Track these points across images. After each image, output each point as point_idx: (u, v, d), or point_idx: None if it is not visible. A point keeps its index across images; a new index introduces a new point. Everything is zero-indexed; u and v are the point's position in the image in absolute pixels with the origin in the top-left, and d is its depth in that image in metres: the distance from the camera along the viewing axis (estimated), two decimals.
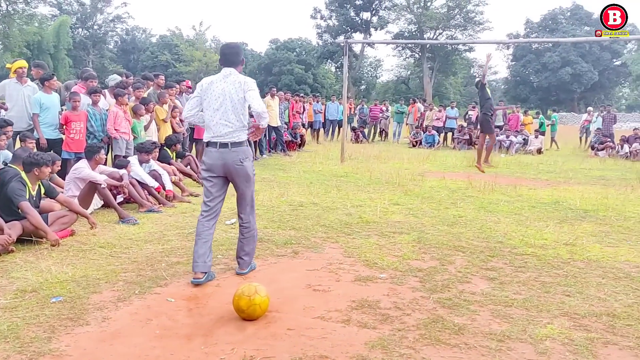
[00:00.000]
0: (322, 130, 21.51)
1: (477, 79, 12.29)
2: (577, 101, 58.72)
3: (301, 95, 20.82)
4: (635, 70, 56.63)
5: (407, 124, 22.75)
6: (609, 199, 8.92)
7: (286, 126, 16.53)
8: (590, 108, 26.02)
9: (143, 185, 7.59)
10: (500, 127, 20.49)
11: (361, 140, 21.50)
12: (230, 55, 4.63)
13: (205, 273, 4.48)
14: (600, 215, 7.61)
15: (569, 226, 6.89)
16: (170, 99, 10.33)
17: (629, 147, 18.28)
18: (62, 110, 8.57)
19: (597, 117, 21.42)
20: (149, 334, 3.48)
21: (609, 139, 19.33)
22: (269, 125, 14.97)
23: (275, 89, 15.67)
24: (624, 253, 5.66)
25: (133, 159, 7.89)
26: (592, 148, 19.66)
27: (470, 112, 22.36)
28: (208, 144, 4.63)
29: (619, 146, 18.88)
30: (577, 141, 23.16)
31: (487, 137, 12.38)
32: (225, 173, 4.58)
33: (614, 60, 59.82)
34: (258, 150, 14.42)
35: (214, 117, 4.52)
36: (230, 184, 4.68)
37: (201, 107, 4.63)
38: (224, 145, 4.52)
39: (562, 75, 56.39)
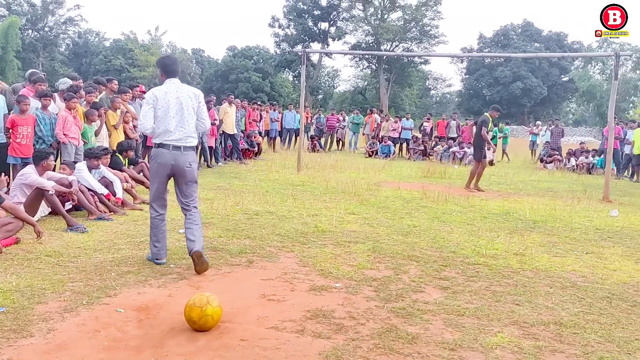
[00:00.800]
0: (278, 138, 21.47)
1: (481, 119, 12.18)
2: (527, 115, 60.54)
3: (258, 103, 20.75)
4: (582, 86, 58.88)
5: (364, 134, 22.95)
6: (556, 210, 9.20)
7: (242, 134, 16.43)
8: (539, 122, 26.92)
9: (93, 192, 7.38)
10: (453, 139, 20.94)
11: (318, 150, 21.56)
12: (174, 66, 5.18)
13: None
14: (548, 226, 7.84)
15: (519, 236, 7.06)
16: (123, 105, 10.11)
17: (576, 160, 18.96)
18: (9, 113, 8.25)
19: (545, 131, 22.15)
20: (96, 346, 3.37)
21: (557, 152, 20.02)
22: (225, 133, 14.89)
23: (232, 97, 15.60)
24: (570, 263, 5.84)
25: (82, 165, 7.66)
26: (541, 161, 20.29)
27: (425, 124, 22.75)
28: (159, 145, 5.01)
29: (566, 159, 19.57)
30: (527, 153, 23.84)
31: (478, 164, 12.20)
32: (174, 173, 5.07)
33: (562, 76, 62.03)
34: (213, 158, 14.26)
35: (170, 123, 4.95)
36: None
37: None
38: (177, 148, 4.99)
39: (513, 89, 58.08)
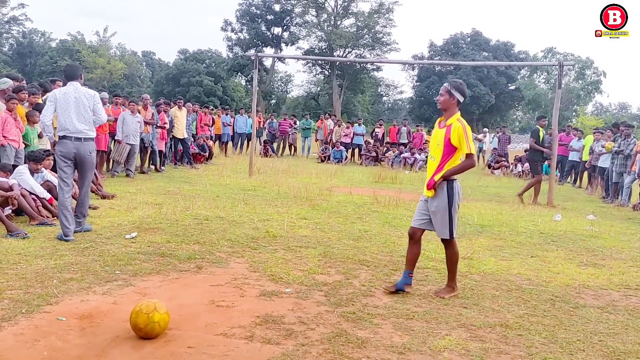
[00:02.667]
0: (230, 143, 21.27)
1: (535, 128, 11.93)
2: (476, 122, 61.98)
3: (210, 107, 20.50)
4: (528, 94, 60.68)
5: (317, 140, 23.00)
6: (503, 215, 9.44)
7: (193, 138, 16.18)
8: (485, 129, 27.61)
9: (35, 196, 7.10)
10: (404, 145, 21.25)
11: (270, 155, 21.47)
12: (75, 72, 6.33)
13: None
14: (495, 231, 8.03)
15: (467, 241, 7.20)
16: None
17: (522, 167, 19.53)
18: None
19: (493, 138, 22.74)
20: (35, 356, 3.23)
21: (504, 159, 20.58)
22: (175, 137, 14.62)
23: (182, 100, 15.34)
24: (516, 266, 5.99)
25: (24, 168, 7.36)
26: (489, 167, 20.81)
27: (377, 130, 23.00)
28: (64, 137, 6.13)
29: (513, 165, 20.15)
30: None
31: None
32: (76, 159, 6.19)
33: (509, 85, 63.81)
34: (160, 162, 13.96)
35: (72, 119, 6.10)
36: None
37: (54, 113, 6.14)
38: (78, 139, 6.14)
39: None
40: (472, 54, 60.02)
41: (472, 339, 3.84)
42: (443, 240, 4.82)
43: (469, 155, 4.66)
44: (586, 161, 15.96)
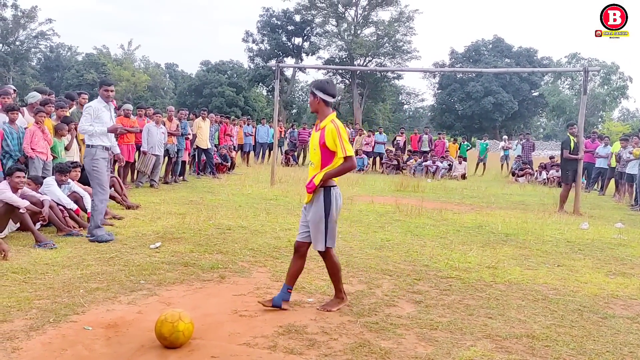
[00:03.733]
0: (252, 153, 21.40)
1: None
2: (499, 129, 61.44)
3: (232, 117, 20.67)
4: (552, 101, 59.99)
5: None
6: (528, 223, 9.32)
7: (216, 148, 16.32)
8: (505, 137, 27.33)
9: (62, 207, 7.23)
10: (426, 153, 21.15)
11: (292, 164, 21.54)
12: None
13: None
14: (520, 239, 7.93)
15: (492, 250, 7.12)
16: None
17: (547, 174, 19.26)
18: None
19: (516, 145, 22.51)
20: None
21: (528, 166, 20.34)
22: (199, 148, 14.75)
23: (206, 111, 15.50)
24: (542, 276, 5.90)
25: (51, 180, 7.50)
26: (513, 174, 20.58)
27: (398, 138, 22.93)
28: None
29: (538, 173, 19.89)
30: (498, 167, 24.18)
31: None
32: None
33: (532, 91, 63.21)
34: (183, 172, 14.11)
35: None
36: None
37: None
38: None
39: (484, 104, 58.98)
40: (494, 61, 59.65)
41: (498, 350, 3.79)
42: (319, 252, 4.43)
43: (347, 158, 4.27)
44: (614, 168, 15.69)
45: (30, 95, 9.28)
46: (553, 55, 76.33)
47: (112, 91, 6.99)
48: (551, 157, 20.46)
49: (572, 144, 11.48)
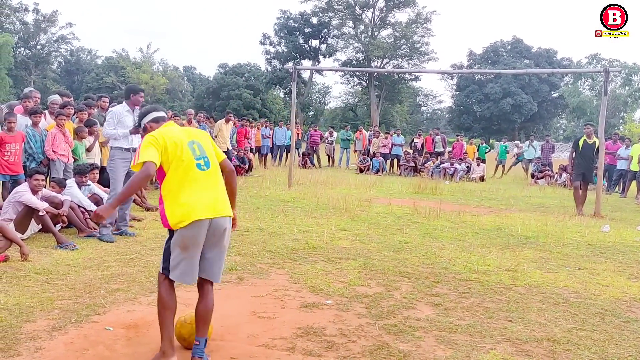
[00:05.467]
0: (270, 155, 21.47)
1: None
2: (518, 131, 60.96)
3: (249, 120, 20.78)
4: (572, 102, 59.31)
5: (355, 151, 23.00)
6: (548, 226, 9.22)
7: (234, 151, 16.40)
8: (516, 141, 27.08)
9: (83, 209, 7.32)
10: (440, 154, 21.06)
11: (309, 166, 21.56)
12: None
13: None
14: (540, 242, 7.85)
15: (511, 252, 7.06)
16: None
17: (567, 176, 19.03)
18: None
19: (528, 146, 22.28)
20: None
21: (548, 168, 20.12)
22: None
23: (232, 115, 15.66)
24: (562, 279, 5.83)
25: (72, 182, 7.61)
26: (532, 176, 20.37)
27: (416, 140, 22.83)
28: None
29: (558, 175, 19.66)
30: (519, 170, 23.91)
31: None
32: None
33: (552, 92, 62.56)
34: None
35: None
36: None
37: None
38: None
39: (503, 105, 58.50)
40: (512, 62, 59.15)
41: (518, 353, 3.75)
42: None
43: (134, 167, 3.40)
44: (636, 172, 15.46)
45: (51, 98, 9.43)
46: (573, 56, 75.68)
47: (142, 97, 7.33)
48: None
49: (580, 143, 11.38)
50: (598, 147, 11.27)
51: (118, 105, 7.31)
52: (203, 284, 3.50)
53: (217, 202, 3.40)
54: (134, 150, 6.78)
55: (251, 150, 18.69)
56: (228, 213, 3.47)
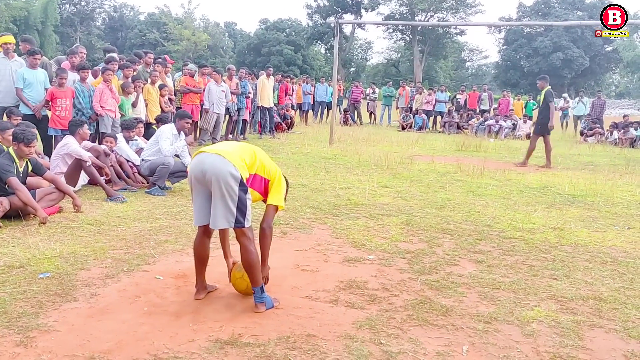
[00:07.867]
0: (311, 112, 21.40)
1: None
2: (568, 87, 58.79)
3: (291, 76, 20.66)
4: (627, 56, 56.55)
5: (397, 107, 22.69)
6: (597, 185, 8.98)
7: (276, 107, 16.38)
8: (565, 95, 26.07)
9: (132, 163, 7.53)
10: (487, 112, 20.54)
11: (350, 123, 21.43)
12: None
13: None
14: (588, 201, 7.67)
15: (557, 211, 6.93)
16: (161, 77, 10.23)
17: (618, 134, 18.39)
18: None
19: (577, 103, 21.49)
20: (137, 311, 3.46)
21: (598, 125, 19.44)
22: (262, 106, 14.74)
23: (271, 69, 15.42)
24: (611, 238, 5.71)
25: (120, 137, 7.80)
26: (582, 134, 19.76)
27: (458, 96, 22.32)
28: None
29: (608, 132, 19.00)
30: (565, 127, 23.21)
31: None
32: None
33: (606, 46, 59.71)
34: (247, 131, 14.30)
35: None
36: None
37: None
38: None
39: (553, 60, 56.28)
40: (564, 14, 56.49)
41: (563, 311, 3.73)
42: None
43: None
44: None
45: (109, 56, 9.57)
46: (630, 8, 71.75)
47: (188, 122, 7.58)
48: (624, 116, 19.45)
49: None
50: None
51: (168, 127, 7.32)
52: (235, 234, 3.60)
53: (218, 145, 3.65)
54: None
55: (292, 107, 18.65)
56: (218, 152, 3.43)
